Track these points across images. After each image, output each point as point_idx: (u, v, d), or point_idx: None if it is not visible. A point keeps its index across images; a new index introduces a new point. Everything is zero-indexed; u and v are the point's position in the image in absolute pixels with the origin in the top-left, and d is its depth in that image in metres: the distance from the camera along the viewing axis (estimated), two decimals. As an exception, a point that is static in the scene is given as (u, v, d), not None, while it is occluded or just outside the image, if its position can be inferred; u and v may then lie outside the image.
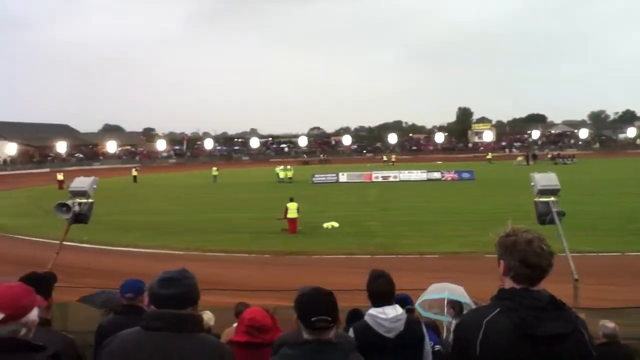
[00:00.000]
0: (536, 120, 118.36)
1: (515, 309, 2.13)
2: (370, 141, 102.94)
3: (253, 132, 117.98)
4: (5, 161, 71.63)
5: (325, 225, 22.63)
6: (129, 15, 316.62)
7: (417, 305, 5.77)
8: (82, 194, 8.21)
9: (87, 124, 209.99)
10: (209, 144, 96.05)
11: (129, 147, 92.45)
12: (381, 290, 3.50)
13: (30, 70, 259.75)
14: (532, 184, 8.81)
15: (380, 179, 46.95)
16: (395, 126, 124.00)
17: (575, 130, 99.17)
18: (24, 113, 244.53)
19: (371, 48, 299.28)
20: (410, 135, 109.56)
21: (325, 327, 2.43)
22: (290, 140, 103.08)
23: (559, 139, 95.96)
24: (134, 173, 52.32)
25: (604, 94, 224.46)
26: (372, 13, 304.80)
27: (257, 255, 18.33)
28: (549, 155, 70.21)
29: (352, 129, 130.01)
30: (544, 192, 8.63)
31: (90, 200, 8.26)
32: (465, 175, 45.88)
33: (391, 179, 46.82)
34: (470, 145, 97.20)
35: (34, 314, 2.32)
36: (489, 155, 70.40)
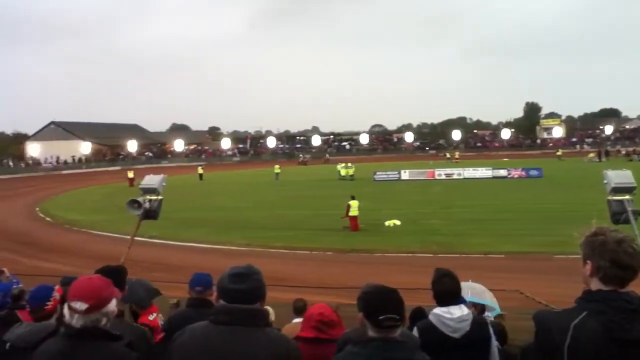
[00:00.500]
0: (609, 115, 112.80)
1: (604, 311, 2.01)
2: (433, 138, 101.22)
3: (315, 130, 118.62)
4: (80, 160, 75.29)
5: (386, 223, 22.41)
6: (196, 18, 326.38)
7: None
8: (152, 191, 8.41)
9: (156, 124, 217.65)
10: (271, 142, 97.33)
11: (195, 146, 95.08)
12: (447, 289, 3.40)
13: (102, 73, 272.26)
14: (605, 181, 8.32)
15: (443, 177, 46.12)
16: (459, 122, 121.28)
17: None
18: (98, 114, 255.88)
19: (435, 42, 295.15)
20: (475, 131, 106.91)
21: (393, 326, 2.39)
22: (352, 137, 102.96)
23: (634, 135, 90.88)
24: (200, 171, 53.66)
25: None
26: (436, 7, 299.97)
27: (318, 252, 18.38)
28: (624, 152, 66.77)
29: (415, 125, 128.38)
30: (618, 190, 8.13)
31: (159, 198, 8.46)
32: (533, 172, 44.25)
33: (455, 177, 45.87)
34: (538, 141, 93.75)
35: (112, 305, 2.43)
36: (559, 152, 67.67)
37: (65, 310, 2.35)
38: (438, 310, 3.35)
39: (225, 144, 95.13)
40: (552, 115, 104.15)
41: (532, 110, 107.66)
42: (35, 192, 44.23)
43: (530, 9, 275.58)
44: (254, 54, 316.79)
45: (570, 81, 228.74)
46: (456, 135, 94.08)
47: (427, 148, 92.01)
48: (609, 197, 8.29)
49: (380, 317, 2.36)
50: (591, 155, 62.59)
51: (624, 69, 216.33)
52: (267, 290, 2.49)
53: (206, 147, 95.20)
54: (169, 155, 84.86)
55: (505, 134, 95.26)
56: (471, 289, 5.60)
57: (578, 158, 64.17)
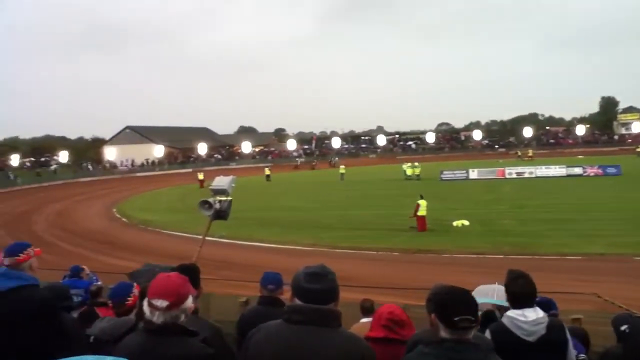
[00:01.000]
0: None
1: None
2: (502, 135, 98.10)
3: (379, 130, 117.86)
4: (153, 162, 78.27)
5: (455, 223, 21.96)
6: (262, 22, 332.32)
7: None
8: (222, 192, 8.60)
9: (224, 127, 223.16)
10: (336, 143, 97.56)
11: (261, 147, 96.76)
12: (522, 291, 3.28)
13: (173, 78, 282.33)
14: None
15: (514, 175, 44.63)
16: (531, 119, 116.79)
17: None
18: (169, 118, 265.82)
19: (503, 37, 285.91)
20: (547, 128, 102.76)
21: (468, 327, 2.34)
22: (418, 136, 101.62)
23: None
24: (267, 172, 54.55)
25: None
26: (504, 0, 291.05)
27: (384, 252, 18.27)
28: None
29: (483, 123, 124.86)
30: None
31: (229, 198, 8.65)
32: (611, 170, 42.05)
33: (526, 175, 44.28)
34: (615, 137, 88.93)
35: (189, 302, 2.49)
36: (639, 149, 63.94)
37: (145, 307, 2.44)
38: (512, 312, 3.25)
39: (291, 145, 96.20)
40: (630, 110, 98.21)
41: (609, 104, 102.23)
42: (112, 194, 46.39)
43: (604, 0, 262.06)
44: (319, 56, 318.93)
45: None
46: (527, 132, 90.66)
47: (497, 146, 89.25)
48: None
49: (456, 318, 2.30)
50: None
51: None
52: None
53: (272, 149, 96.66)
54: (237, 157, 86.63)
55: (580, 130, 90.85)
56: (497, 291, 5.40)
57: (660, 154, 60.47)
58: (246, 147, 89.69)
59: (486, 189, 35.74)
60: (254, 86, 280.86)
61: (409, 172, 47.17)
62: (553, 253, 16.41)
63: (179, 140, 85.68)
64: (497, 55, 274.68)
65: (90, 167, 73.64)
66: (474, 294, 5.69)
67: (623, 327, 3.57)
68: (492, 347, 2.55)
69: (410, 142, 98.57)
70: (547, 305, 4.29)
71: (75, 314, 4.85)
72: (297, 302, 2.42)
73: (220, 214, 8.59)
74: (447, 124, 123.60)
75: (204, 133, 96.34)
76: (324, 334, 2.33)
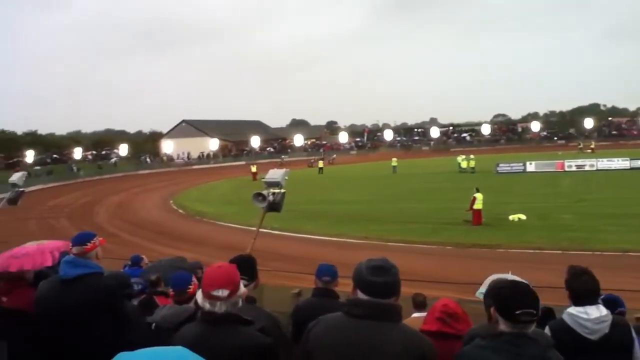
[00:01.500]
0: None
1: None
2: (561, 127, 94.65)
3: (433, 122, 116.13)
4: (208, 155, 79.90)
5: (511, 217, 21.42)
6: (314, 18, 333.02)
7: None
8: (276, 184, 8.71)
9: (277, 120, 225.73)
10: (388, 135, 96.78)
11: (313, 140, 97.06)
12: (585, 288, 3.18)
13: (227, 73, 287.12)
14: None
15: (574, 168, 43.05)
16: (592, 110, 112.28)
17: None
18: (224, 112, 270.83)
19: (563, 25, 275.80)
20: (610, 119, 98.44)
21: (529, 321, 2.31)
22: (473, 128, 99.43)
23: None
24: (320, 165, 54.72)
25: None
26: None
27: (437, 246, 18.04)
28: None
29: (541, 114, 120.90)
30: None
31: (282, 191, 8.75)
32: (678, 162, 39.94)
33: (587, 168, 42.62)
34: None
35: (242, 288, 2.56)
36: None
37: (200, 299, 2.49)
38: (573, 310, 3.15)
39: (343, 137, 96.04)
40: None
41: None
42: (169, 186, 47.69)
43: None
44: (371, 49, 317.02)
45: None
46: (588, 123, 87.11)
47: (555, 138, 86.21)
48: None
49: (517, 312, 2.27)
50: None
51: None
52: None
53: (324, 142, 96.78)
54: (289, 150, 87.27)
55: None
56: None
57: None
58: (298, 140, 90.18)
59: (544, 182, 34.63)
60: (307, 80, 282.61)
61: (463, 164, 46.28)
62: (614, 249, 15.78)
63: (233, 134, 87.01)
64: (556, 45, 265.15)
65: (148, 160, 75.83)
66: (485, 284, 5.58)
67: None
68: (551, 344, 2.49)
69: (464, 134, 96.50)
70: (613, 303, 4.13)
71: (134, 302, 5.03)
72: (360, 295, 2.40)
73: (274, 206, 8.70)
74: (504, 115, 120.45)
75: (257, 126, 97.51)
76: (385, 329, 2.31)
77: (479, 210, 20.99)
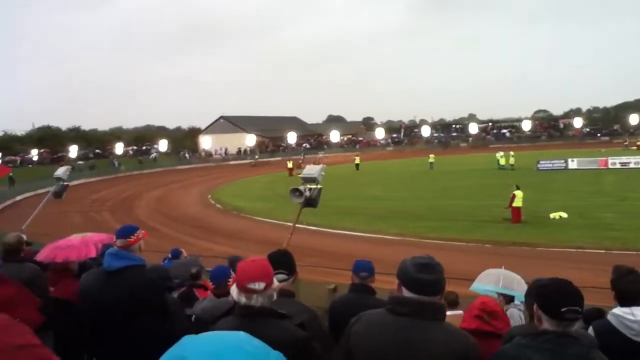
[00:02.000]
0: None
1: None
2: (605, 123, 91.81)
3: (471, 118, 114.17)
4: (245, 151, 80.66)
5: (552, 215, 20.97)
6: (351, 14, 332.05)
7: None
8: (312, 180, 8.77)
9: (313, 116, 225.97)
10: (425, 131, 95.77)
11: (349, 136, 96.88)
12: (632, 288, 3.09)
13: (265, 69, 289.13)
14: None
15: (618, 166, 41.71)
16: (638, 105, 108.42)
17: None
18: (261, 108, 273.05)
19: (609, 17, 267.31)
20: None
21: (574, 319, 2.26)
22: (513, 124, 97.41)
23: None
24: (357, 161, 54.57)
25: None
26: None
27: (475, 244, 17.82)
28: None
29: (584, 110, 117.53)
30: None
31: (319, 186, 8.81)
32: None
33: (632, 166, 41.24)
34: None
35: (276, 282, 2.59)
36: None
37: (235, 293, 2.51)
38: (619, 310, 3.07)
39: (379, 133, 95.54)
40: None
41: None
42: (207, 181, 48.38)
43: None
44: (408, 44, 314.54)
45: None
46: (634, 119, 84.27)
47: (599, 134, 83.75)
48: None
49: (563, 310, 2.23)
50: None
51: None
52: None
53: (360, 138, 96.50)
54: (325, 146, 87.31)
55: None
56: (503, 278, 5.10)
57: None
58: (334, 136, 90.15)
59: (586, 180, 33.70)
60: (343, 76, 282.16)
61: (501, 161, 45.49)
62: (660, 250, 15.27)
63: (270, 130, 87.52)
64: (601, 39, 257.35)
65: (187, 155, 77.06)
66: (478, 279, 5.47)
67: None
68: (595, 344, 2.43)
69: (504, 130, 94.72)
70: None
71: (174, 295, 5.14)
72: (405, 292, 2.39)
73: (310, 202, 8.76)
74: (545, 110, 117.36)
75: (293, 122, 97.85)
76: (428, 327, 2.30)
77: (518, 208, 20.63)
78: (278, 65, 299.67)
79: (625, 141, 62.94)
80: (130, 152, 79.25)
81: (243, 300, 2.48)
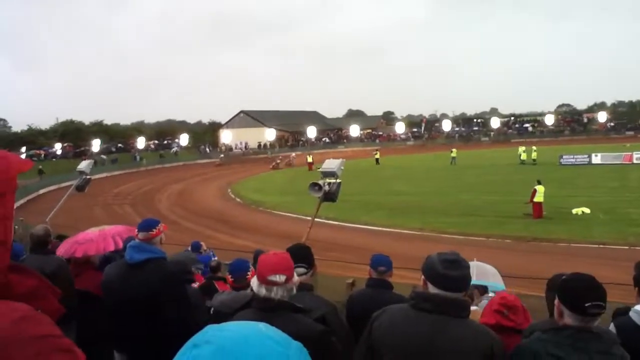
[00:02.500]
0: None
1: None
2: (631, 117, 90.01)
3: (493, 112, 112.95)
4: (265, 145, 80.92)
5: (574, 210, 20.67)
6: (372, 9, 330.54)
7: None
8: (332, 174, 8.78)
9: (333, 110, 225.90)
10: (446, 126, 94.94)
11: (369, 130, 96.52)
12: None
13: (284, 64, 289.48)
14: None
15: (643, 161, 41.00)
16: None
17: None
18: (281, 102, 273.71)
19: (632, 10, 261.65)
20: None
21: (597, 314, 2.25)
22: (535, 118, 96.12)
23: None
24: (377, 155, 54.42)
25: None
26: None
27: (495, 239, 17.67)
28: None
29: (609, 104, 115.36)
30: None
31: (338, 181, 8.81)
32: None
33: (658, 161, 40.51)
34: None
35: (296, 277, 2.60)
36: None
37: (256, 285, 2.52)
38: (640, 307, 3.03)
39: (400, 128, 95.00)
40: None
41: None
42: (228, 176, 48.65)
43: None
44: (427, 38, 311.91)
45: None
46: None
47: (624, 129, 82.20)
48: None
49: (587, 304, 2.21)
50: None
51: None
52: None
53: (380, 132, 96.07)
54: (345, 140, 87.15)
55: None
56: (476, 269, 5.01)
57: None
58: (354, 130, 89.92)
59: (610, 175, 33.11)
60: (363, 70, 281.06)
61: (523, 156, 44.96)
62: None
63: (289, 124, 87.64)
64: (626, 33, 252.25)
65: (207, 149, 77.54)
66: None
67: None
68: (617, 341, 2.40)
69: (526, 125, 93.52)
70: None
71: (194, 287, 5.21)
72: (430, 288, 2.39)
73: (329, 196, 8.77)
74: (568, 105, 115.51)
75: (313, 117, 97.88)
76: (453, 324, 2.29)
77: (539, 203, 20.38)
78: (298, 59, 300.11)
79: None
80: (152, 146, 79.87)
81: (263, 292, 2.48)
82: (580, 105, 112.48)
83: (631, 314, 3.07)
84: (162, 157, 67.21)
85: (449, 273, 2.34)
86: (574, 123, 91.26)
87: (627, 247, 15.41)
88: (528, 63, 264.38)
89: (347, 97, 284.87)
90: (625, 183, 29.54)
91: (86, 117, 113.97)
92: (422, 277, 2.45)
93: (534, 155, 44.61)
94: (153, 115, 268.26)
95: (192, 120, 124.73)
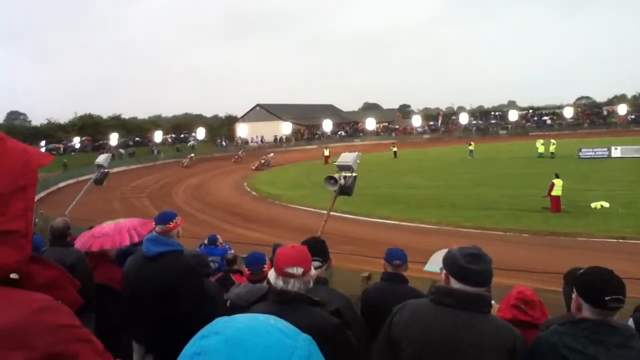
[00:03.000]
0: None
1: None
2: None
3: (511, 105, 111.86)
4: (281, 139, 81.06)
5: (593, 204, 20.42)
6: (389, 2, 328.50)
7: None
8: (347, 168, 8.77)
9: (349, 103, 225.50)
10: (464, 119, 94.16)
11: (386, 124, 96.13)
12: None
13: (300, 58, 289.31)
14: None
15: (665, 154, 40.32)
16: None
17: None
18: (297, 96, 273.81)
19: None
20: None
21: (616, 308, 2.23)
22: (554, 111, 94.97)
23: None
24: (394, 149, 54.13)
25: None
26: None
27: (512, 233, 17.53)
28: None
29: (629, 96, 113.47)
30: None
31: (354, 174, 8.80)
32: None
33: (679, 154, 39.81)
34: None
35: (313, 270, 2.62)
36: None
37: (273, 277, 2.53)
38: (660, 302, 3.00)
39: (416, 121, 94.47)
40: None
41: None
42: (243, 169, 48.78)
43: None
44: (446, 30, 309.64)
45: None
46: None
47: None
48: None
49: (607, 298, 2.19)
50: None
51: None
52: None
53: (396, 125, 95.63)
54: (361, 134, 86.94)
55: None
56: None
57: None
58: (370, 123, 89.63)
59: (630, 169, 32.61)
60: (380, 63, 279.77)
61: (540, 149, 44.47)
62: None
63: (305, 117, 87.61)
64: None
65: (224, 143, 77.85)
66: (431, 260, 5.35)
67: None
68: (636, 334, 2.38)
69: (545, 118, 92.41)
70: None
71: (211, 280, 5.24)
72: (453, 283, 2.38)
73: (345, 190, 8.77)
74: (588, 97, 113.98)
75: (329, 110, 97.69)
76: (474, 319, 2.28)
77: (557, 197, 20.17)
78: (314, 52, 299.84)
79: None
80: (169, 139, 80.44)
81: (280, 284, 2.49)
82: (600, 97, 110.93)
83: (650, 308, 3.05)
84: (179, 151, 67.50)
85: (471, 267, 2.33)
86: (593, 116, 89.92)
87: (647, 242, 15.20)
88: (547, 55, 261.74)
89: (363, 90, 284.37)
90: (646, 177, 29.10)
91: (104, 111, 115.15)
92: (444, 271, 2.45)
93: (552, 148, 44.08)
94: (170, 109, 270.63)
95: (208, 113, 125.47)
